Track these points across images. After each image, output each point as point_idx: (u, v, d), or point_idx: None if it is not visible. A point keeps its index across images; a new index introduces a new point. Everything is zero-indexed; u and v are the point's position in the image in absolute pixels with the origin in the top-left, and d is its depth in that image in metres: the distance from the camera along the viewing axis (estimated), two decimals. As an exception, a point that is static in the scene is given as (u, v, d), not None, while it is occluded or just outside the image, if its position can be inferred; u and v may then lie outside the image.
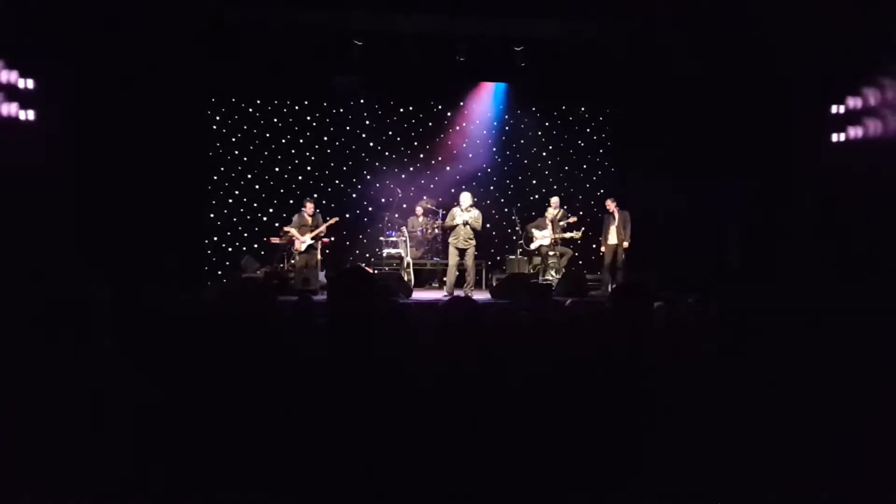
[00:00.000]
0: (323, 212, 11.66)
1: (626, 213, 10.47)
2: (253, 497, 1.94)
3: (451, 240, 9.59)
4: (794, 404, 2.25)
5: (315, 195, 11.88)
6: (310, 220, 10.31)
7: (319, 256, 10.43)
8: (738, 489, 2.04)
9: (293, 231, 10.26)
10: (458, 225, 9.45)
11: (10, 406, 2.09)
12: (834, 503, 2.06)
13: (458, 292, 9.35)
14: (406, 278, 10.32)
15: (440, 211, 11.37)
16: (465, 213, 9.46)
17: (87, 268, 7.45)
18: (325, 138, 12.19)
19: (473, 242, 9.60)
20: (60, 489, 1.93)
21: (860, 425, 2.17)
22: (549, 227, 10.80)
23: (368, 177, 12.21)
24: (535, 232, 10.98)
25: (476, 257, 11.18)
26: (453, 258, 9.55)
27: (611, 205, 10.47)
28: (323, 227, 10.28)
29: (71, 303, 3.03)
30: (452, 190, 11.39)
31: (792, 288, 8.57)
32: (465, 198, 9.60)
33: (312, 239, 10.24)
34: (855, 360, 2.49)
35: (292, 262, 10.39)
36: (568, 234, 10.85)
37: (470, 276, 9.65)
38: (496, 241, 12.31)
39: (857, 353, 2.56)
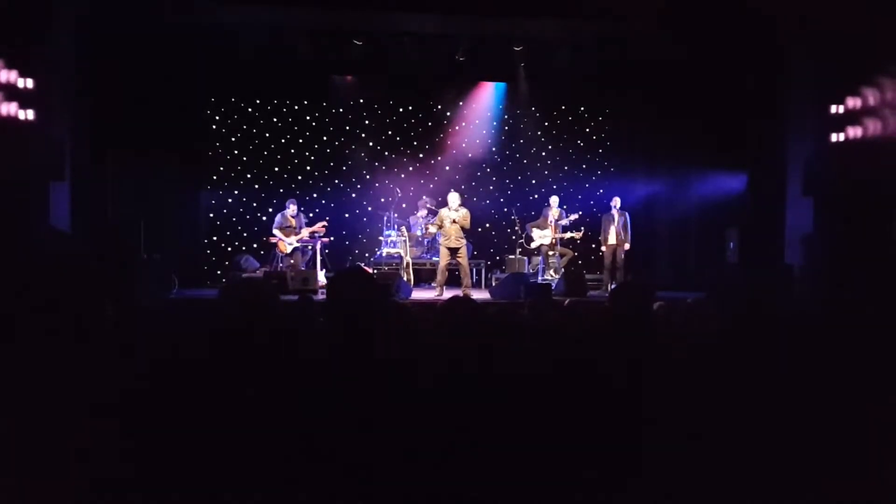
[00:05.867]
0: (322, 212, 11.68)
1: (627, 214, 10.49)
2: (252, 497, 1.94)
3: (441, 240, 9.57)
4: (796, 403, 2.25)
5: (314, 195, 11.91)
6: (292, 220, 10.28)
7: (320, 257, 10.42)
8: (739, 489, 2.04)
9: (276, 233, 10.23)
10: (445, 226, 9.43)
11: (10, 405, 2.09)
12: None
13: (455, 292, 9.34)
14: (406, 278, 10.32)
15: (439, 210, 11.36)
16: (454, 212, 9.44)
17: (89, 268, 7.44)
18: (325, 138, 12.17)
19: (464, 241, 9.58)
20: (60, 487, 1.93)
21: (863, 426, 2.17)
22: (550, 227, 10.79)
23: (368, 176, 12.21)
24: (536, 231, 10.98)
25: (475, 256, 11.19)
26: (444, 258, 9.53)
27: (616, 202, 10.49)
28: (304, 233, 10.27)
29: (71, 303, 3.03)
30: (452, 189, 11.39)
31: (795, 285, 8.57)
32: (454, 198, 9.58)
33: (297, 242, 10.25)
34: (858, 360, 2.49)
35: (291, 261, 10.37)
36: (568, 235, 10.85)
37: (465, 276, 9.62)
38: (496, 240, 12.31)
39: (859, 352, 2.56)
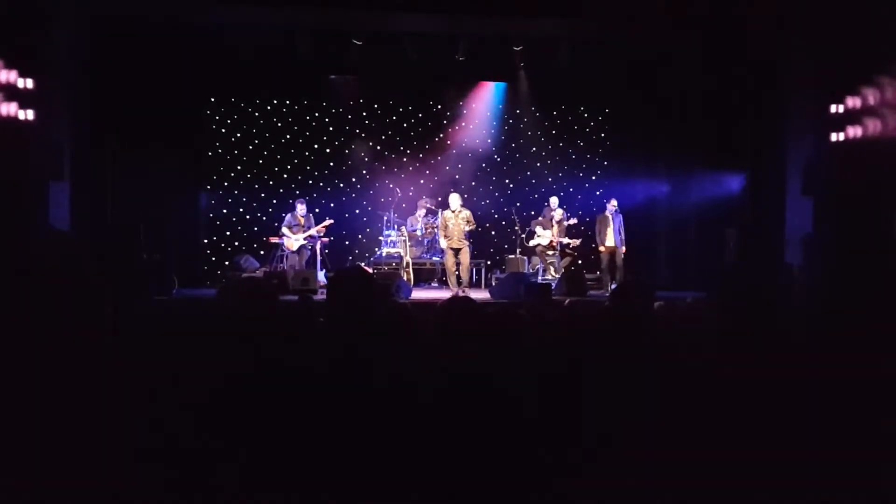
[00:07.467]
0: (322, 212, 11.66)
1: (621, 218, 10.46)
2: (252, 498, 1.94)
3: (446, 242, 9.60)
4: (796, 403, 2.25)
5: (314, 195, 11.90)
6: (302, 220, 10.30)
7: (319, 257, 10.42)
8: (737, 491, 2.04)
9: (285, 231, 10.25)
10: (449, 227, 9.49)
11: (9, 406, 2.09)
12: None
13: (456, 291, 9.36)
14: (406, 278, 10.32)
15: (439, 211, 11.36)
16: (456, 214, 9.50)
17: (88, 267, 7.44)
18: (325, 138, 12.18)
19: (467, 242, 9.62)
20: (60, 490, 1.93)
21: (863, 427, 2.17)
22: (554, 227, 10.77)
23: (368, 176, 12.20)
24: (539, 230, 10.97)
25: (475, 256, 11.20)
26: (449, 258, 9.59)
27: (613, 204, 10.47)
28: (313, 230, 10.27)
29: (71, 303, 3.03)
30: (451, 189, 11.41)
31: (795, 285, 8.56)
32: (455, 199, 9.62)
33: (305, 240, 10.24)
34: (858, 360, 2.48)
35: (297, 258, 10.37)
36: (566, 240, 10.82)
37: (465, 276, 9.64)
38: (496, 240, 12.30)
39: (859, 352, 2.55)
